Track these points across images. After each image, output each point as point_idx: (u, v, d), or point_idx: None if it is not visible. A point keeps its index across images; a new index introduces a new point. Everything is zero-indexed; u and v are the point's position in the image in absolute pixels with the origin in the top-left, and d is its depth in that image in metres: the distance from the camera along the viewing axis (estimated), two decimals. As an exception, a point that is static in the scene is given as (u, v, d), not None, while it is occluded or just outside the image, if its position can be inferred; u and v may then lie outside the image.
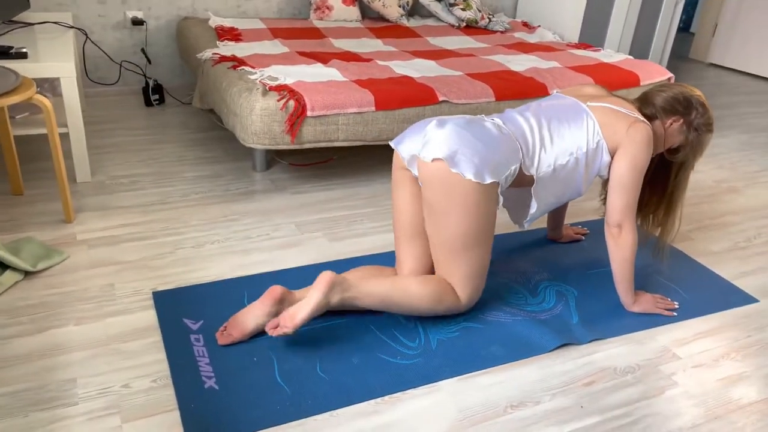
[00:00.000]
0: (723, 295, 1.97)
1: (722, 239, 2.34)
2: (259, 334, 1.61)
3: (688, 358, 1.67)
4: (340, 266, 1.95)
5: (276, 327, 1.53)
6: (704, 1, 5.45)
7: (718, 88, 4.61)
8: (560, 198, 1.77)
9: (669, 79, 3.05)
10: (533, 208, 1.71)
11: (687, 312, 1.86)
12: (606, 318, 1.80)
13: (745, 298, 1.96)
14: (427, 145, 1.60)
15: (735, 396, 1.55)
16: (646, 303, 1.84)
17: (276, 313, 1.59)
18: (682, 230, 2.37)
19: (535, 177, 1.67)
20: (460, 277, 1.66)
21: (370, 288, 1.59)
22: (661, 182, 1.91)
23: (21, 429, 1.30)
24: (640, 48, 4.25)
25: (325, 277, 1.54)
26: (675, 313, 1.85)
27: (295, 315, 1.51)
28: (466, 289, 1.68)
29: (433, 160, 1.57)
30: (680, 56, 5.60)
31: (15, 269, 1.78)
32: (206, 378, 1.46)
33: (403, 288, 1.62)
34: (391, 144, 1.73)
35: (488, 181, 1.56)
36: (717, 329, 1.81)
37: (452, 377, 1.53)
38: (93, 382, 1.43)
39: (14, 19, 2.75)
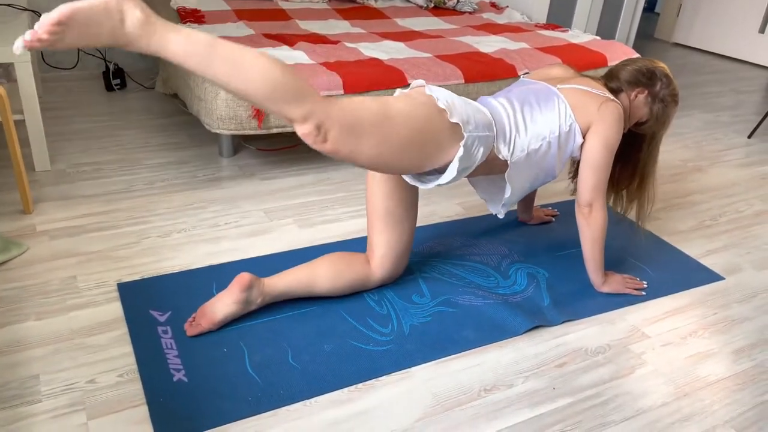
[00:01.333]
0: (690, 274, 2.00)
1: (688, 218, 2.37)
2: (229, 324, 1.58)
3: (657, 337, 1.70)
4: (311, 253, 1.92)
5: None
6: (669, -18, 5.49)
7: (683, 67, 4.67)
8: (534, 182, 1.76)
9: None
10: (507, 192, 1.70)
11: (655, 291, 1.89)
12: (577, 299, 1.82)
13: (711, 276, 2.00)
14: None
15: (703, 373, 1.58)
16: (615, 283, 1.86)
17: (245, 300, 1.56)
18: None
19: (509, 162, 1.65)
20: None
21: (190, 30, 1.19)
22: (632, 157, 1.92)
23: (-19, 430, 1.25)
24: (606, 28, 4.27)
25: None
26: (644, 293, 1.87)
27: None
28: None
29: (413, 88, 1.56)
30: (646, 36, 5.66)
31: (-29, 263, 1.71)
32: (175, 371, 1.43)
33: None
34: None
35: (454, 119, 1.46)
36: (684, 307, 1.84)
37: (425, 362, 1.53)
38: (57, 379, 1.39)
39: (-37, 0, 2.63)
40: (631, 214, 2.01)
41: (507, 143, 1.63)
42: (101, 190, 2.20)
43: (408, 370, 1.50)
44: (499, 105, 1.68)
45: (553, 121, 1.68)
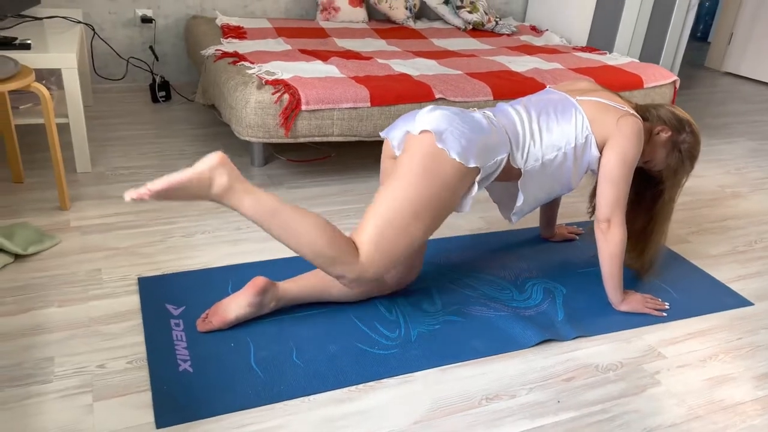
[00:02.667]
0: (716, 297, 1.93)
1: (721, 243, 2.29)
2: (240, 323, 1.61)
3: (674, 358, 1.64)
4: (327, 258, 1.94)
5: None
6: (721, 11, 5.38)
7: (731, 95, 4.54)
8: (550, 193, 1.75)
9: (674, 82, 3.01)
10: (520, 200, 1.70)
11: (677, 312, 1.83)
12: (592, 316, 1.78)
13: (740, 301, 1.92)
14: (415, 123, 1.58)
15: (718, 397, 1.51)
16: (634, 302, 1.81)
17: (259, 304, 1.59)
18: (679, 233, 2.33)
19: (522, 170, 1.65)
20: (377, 233, 1.45)
21: (262, 194, 1.42)
22: (642, 212, 1.90)
23: (-7, 403, 1.31)
24: (650, 54, 4.20)
25: (217, 154, 1.42)
26: (665, 314, 1.81)
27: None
28: (374, 250, 1.45)
29: (421, 132, 1.55)
30: (696, 65, 5.54)
31: (6, 252, 1.81)
32: (181, 361, 1.47)
33: (298, 210, 1.45)
34: (382, 134, 1.73)
35: (472, 165, 1.52)
36: (707, 330, 1.77)
37: (429, 368, 1.52)
38: (70, 362, 1.44)
39: (24, 13, 2.81)
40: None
41: (521, 151, 1.63)
42: (135, 192, 2.29)
43: (411, 374, 1.50)
44: (514, 113, 1.68)
45: (569, 132, 1.67)
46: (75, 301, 1.66)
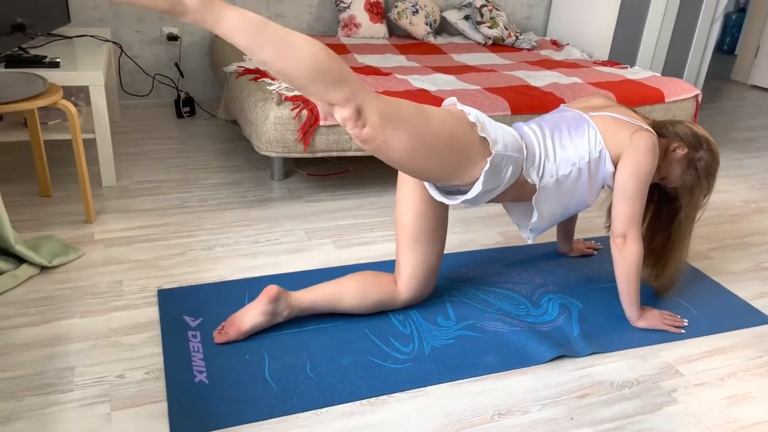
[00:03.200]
0: (737, 314, 1.90)
1: (744, 259, 2.26)
2: (255, 333, 1.63)
3: (692, 376, 1.62)
4: (342, 271, 1.96)
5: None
6: (747, 24, 5.32)
7: (758, 109, 4.47)
8: (566, 209, 1.75)
9: (696, 96, 2.98)
10: (534, 217, 1.70)
11: (697, 330, 1.80)
12: (608, 332, 1.76)
13: (761, 318, 1.89)
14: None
15: (737, 416, 1.49)
16: (652, 318, 1.79)
17: (272, 312, 1.62)
18: (700, 249, 2.30)
19: (537, 186, 1.65)
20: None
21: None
22: (660, 229, 1.89)
23: (15, 411, 1.35)
24: (673, 68, 4.17)
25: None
26: (683, 331, 1.79)
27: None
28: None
29: (446, 105, 1.61)
30: (722, 78, 5.47)
31: (32, 264, 1.86)
32: (198, 372, 1.49)
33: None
34: None
35: (483, 134, 1.49)
36: (727, 348, 1.74)
37: (442, 383, 1.52)
38: (89, 372, 1.48)
39: (55, 32, 2.90)
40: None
41: (536, 168, 1.64)
42: (157, 206, 2.35)
43: (423, 388, 1.50)
44: (530, 131, 1.69)
45: (582, 147, 1.67)
46: (96, 313, 1.70)
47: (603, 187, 1.77)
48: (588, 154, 1.67)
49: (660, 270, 1.91)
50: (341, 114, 1.32)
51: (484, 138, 1.51)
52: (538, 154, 1.65)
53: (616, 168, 1.70)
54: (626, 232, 1.69)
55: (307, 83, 1.27)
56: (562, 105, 1.90)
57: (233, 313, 1.69)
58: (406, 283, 1.73)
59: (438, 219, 1.71)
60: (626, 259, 1.70)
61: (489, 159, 1.51)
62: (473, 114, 1.53)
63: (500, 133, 1.56)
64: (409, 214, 1.71)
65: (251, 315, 1.62)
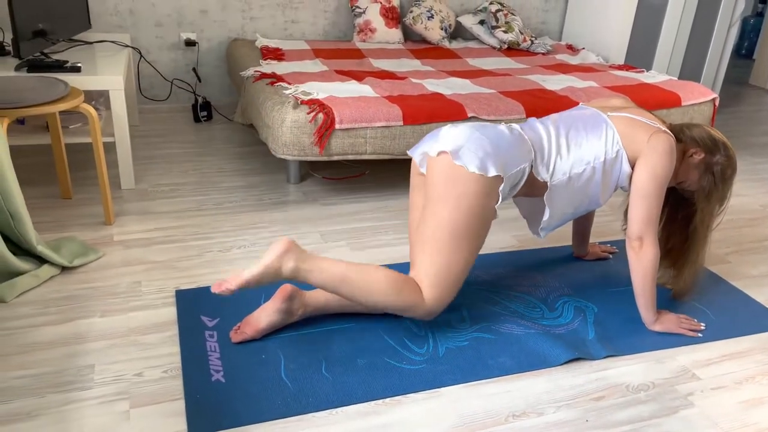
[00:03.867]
0: (755, 318, 1.88)
1: (762, 263, 2.24)
2: (271, 333, 1.65)
3: (709, 380, 1.61)
4: (358, 274, 1.98)
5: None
6: (765, 28, 5.28)
7: (777, 113, 4.43)
8: (577, 208, 1.75)
9: (713, 99, 2.96)
10: (546, 215, 1.70)
11: (714, 333, 1.79)
12: (624, 335, 1.75)
13: (780, 323, 1.87)
14: (436, 143, 1.63)
15: (753, 419, 1.47)
16: (668, 322, 1.78)
17: (287, 310, 1.63)
18: (718, 253, 2.28)
19: (548, 184, 1.66)
20: (432, 272, 1.56)
21: (327, 264, 1.53)
22: (676, 232, 1.88)
23: (36, 407, 1.37)
24: (690, 72, 4.14)
25: (282, 241, 1.52)
26: (700, 335, 1.78)
27: (242, 272, 1.49)
28: (435, 288, 1.57)
29: (439, 153, 1.60)
30: (740, 82, 5.43)
31: (53, 264, 1.90)
32: (214, 371, 1.51)
33: (363, 269, 1.55)
34: (408, 152, 1.76)
35: (492, 173, 1.55)
36: (744, 352, 1.73)
37: (456, 384, 1.53)
38: (109, 370, 1.51)
39: (76, 38, 2.96)
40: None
41: (546, 165, 1.64)
42: (175, 208, 2.38)
43: (438, 389, 1.51)
44: (542, 127, 1.71)
45: (598, 147, 1.67)
46: (116, 312, 1.73)
47: (616, 189, 1.76)
48: (604, 153, 1.67)
49: (678, 273, 1.90)
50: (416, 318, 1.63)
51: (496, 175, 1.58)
52: (547, 150, 1.66)
53: (632, 169, 1.70)
54: (642, 234, 1.68)
55: (380, 310, 1.62)
56: (581, 103, 1.90)
57: (249, 312, 1.71)
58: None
59: None
60: (642, 261, 1.69)
61: (500, 189, 1.59)
62: (472, 163, 1.54)
63: (501, 152, 1.59)
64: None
65: (266, 314, 1.63)
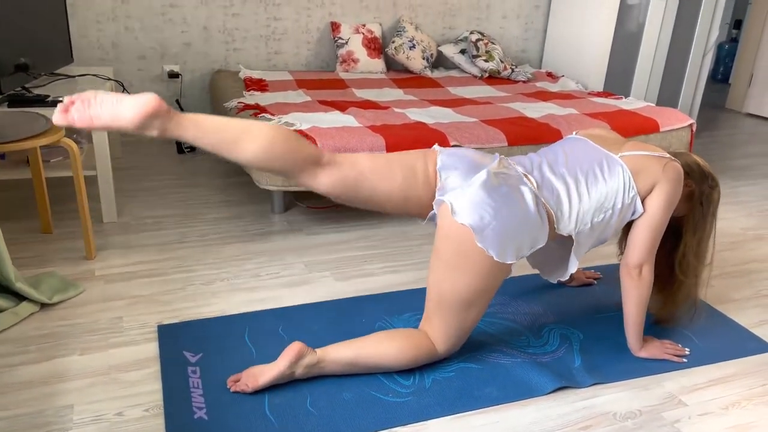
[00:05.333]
0: (738, 342, 1.89)
1: (744, 287, 2.26)
2: (255, 368, 1.62)
3: (696, 406, 1.61)
4: (342, 305, 1.96)
5: (237, 382, 1.56)
6: (740, 53, 5.41)
7: (753, 137, 4.52)
8: (592, 246, 1.75)
9: (690, 125, 3.02)
10: (573, 266, 1.69)
11: (699, 358, 1.80)
12: (610, 362, 1.75)
13: (763, 346, 1.88)
14: (460, 197, 1.53)
15: (741, 445, 1.47)
16: (653, 348, 1.78)
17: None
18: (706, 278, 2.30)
19: (573, 236, 1.64)
20: (444, 331, 1.62)
21: (336, 354, 1.57)
22: (663, 258, 1.84)
23: (13, 450, 1.34)
24: (668, 98, 4.23)
25: (293, 348, 1.54)
26: (685, 360, 1.78)
27: (258, 377, 1.54)
28: (447, 342, 1.64)
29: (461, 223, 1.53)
30: (717, 106, 5.54)
31: (32, 301, 1.87)
32: (197, 408, 1.49)
33: (373, 346, 1.59)
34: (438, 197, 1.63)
35: (509, 261, 1.54)
36: (730, 377, 1.73)
37: (443, 416, 1.51)
38: (88, 410, 1.47)
39: (58, 71, 2.96)
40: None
41: (569, 219, 1.62)
42: (158, 241, 2.36)
43: (425, 422, 1.49)
44: (559, 183, 1.63)
45: (617, 195, 1.66)
46: (96, 349, 1.70)
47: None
48: (621, 201, 1.66)
49: (664, 301, 1.90)
50: None
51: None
52: (567, 208, 1.62)
53: (643, 202, 1.69)
54: (644, 262, 1.68)
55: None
56: (575, 133, 1.86)
57: (233, 347, 1.69)
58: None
59: None
60: (642, 289, 1.70)
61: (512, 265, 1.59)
62: (493, 249, 1.51)
63: (527, 238, 1.55)
64: None
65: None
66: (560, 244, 1.83)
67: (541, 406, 1.57)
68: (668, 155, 1.73)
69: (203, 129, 1.44)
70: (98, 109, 1.38)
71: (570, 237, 1.66)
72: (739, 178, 3.51)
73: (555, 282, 1.78)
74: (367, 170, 1.56)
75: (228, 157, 1.48)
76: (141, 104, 1.38)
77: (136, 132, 1.40)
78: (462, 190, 1.55)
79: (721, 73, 6.84)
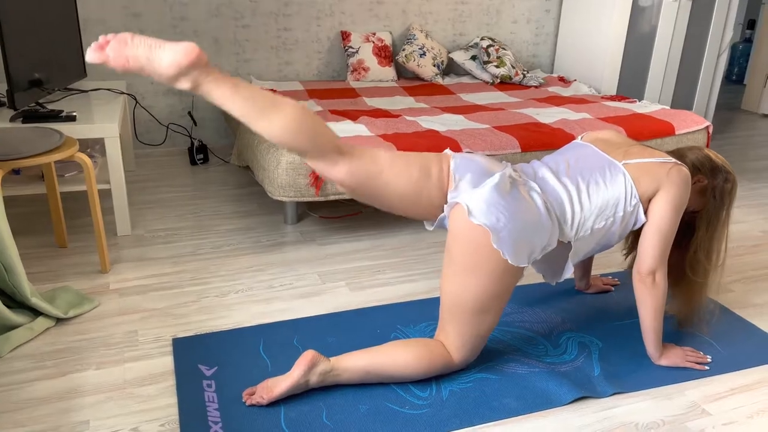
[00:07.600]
0: (762, 349, 1.85)
1: (766, 291, 2.21)
2: (270, 381, 1.61)
3: (720, 415, 1.57)
4: (357, 316, 1.95)
5: (252, 395, 1.55)
6: (754, 53, 5.35)
7: (771, 138, 4.45)
8: (591, 252, 1.73)
9: (707, 127, 2.98)
10: (568, 271, 1.68)
11: (722, 366, 1.76)
12: (631, 371, 1.72)
13: (788, 353, 1.84)
14: (475, 198, 1.53)
15: (769, 456, 1.43)
16: (674, 356, 1.75)
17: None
18: (721, 282, 2.26)
19: (572, 242, 1.63)
20: (459, 339, 1.61)
21: (350, 362, 1.56)
22: (678, 258, 1.83)
23: (29, 468, 1.33)
24: (682, 100, 4.18)
25: (306, 357, 1.54)
26: (707, 367, 1.74)
27: (272, 388, 1.53)
28: (463, 351, 1.62)
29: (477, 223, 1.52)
30: (732, 107, 5.47)
31: (48, 316, 1.87)
32: (212, 423, 1.47)
33: (387, 355, 1.58)
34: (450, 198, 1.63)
35: (523, 265, 1.54)
36: (754, 384, 1.69)
37: (461, 428, 1.49)
38: (104, 425, 1.47)
39: (71, 86, 2.98)
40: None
41: (571, 226, 1.62)
42: (171, 253, 2.36)
43: (442, 435, 1.47)
44: (561, 190, 1.63)
45: (618, 202, 1.64)
46: (111, 364, 1.70)
47: (628, 235, 1.75)
48: (623, 208, 1.64)
49: (680, 301, 1.87)
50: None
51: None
52: (570, 215, 1.61)
53: (646, 209, 1.67)
54: (656, 269, 1.65)
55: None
56: (580, 138, 1.85)
57: (248, 360, 1.68)
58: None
59: None
60: (656, 296, 1.67)
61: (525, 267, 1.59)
62: (508, 252, 1.51)
63: (540, 242, 1.55)
64: None
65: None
66: (559, 248, 1.81)
67: (561, 417, 1.54)
68: (673, 159, 1.70)
69: (237, 92, 1.38)
70: (135, 50, 1.32)
71: (569, 242, 1.65)
72: (758, 180, 3.45)
73: (553, 284, 1.76)
74: (386, 165, 1.56)
75: (253, 127, 1.43)
76: (182, 51, 1.32)
77: (168, 80, 1.34)
78: (475, 192, 1.54)
79: (735, 74, 6.76)
